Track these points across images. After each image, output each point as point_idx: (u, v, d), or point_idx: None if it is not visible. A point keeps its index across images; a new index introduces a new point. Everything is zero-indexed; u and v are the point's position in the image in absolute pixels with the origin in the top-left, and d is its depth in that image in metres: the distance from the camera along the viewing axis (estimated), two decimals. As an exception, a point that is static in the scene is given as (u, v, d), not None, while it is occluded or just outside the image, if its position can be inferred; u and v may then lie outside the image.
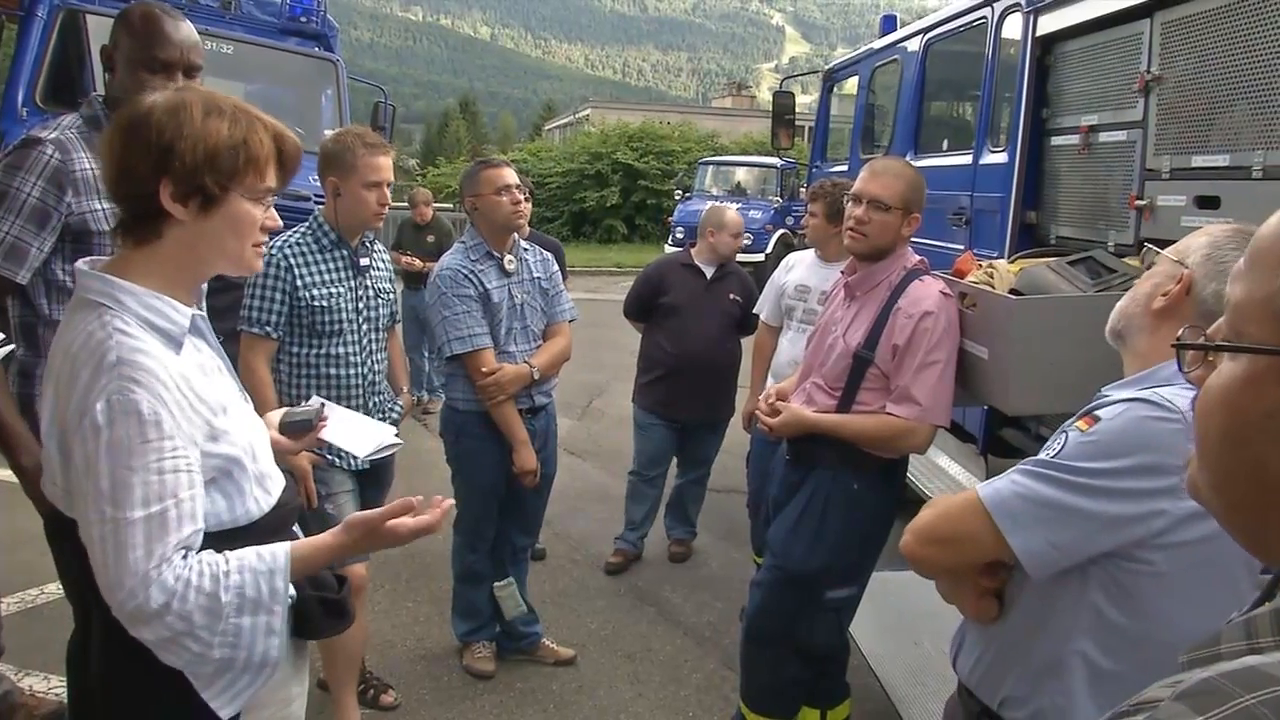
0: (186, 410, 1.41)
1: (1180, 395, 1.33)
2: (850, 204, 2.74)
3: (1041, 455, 1.45)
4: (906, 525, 1.66)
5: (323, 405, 2.03)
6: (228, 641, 1.40)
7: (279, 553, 1.47)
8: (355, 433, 2.21)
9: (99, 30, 5.56)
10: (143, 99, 1.46)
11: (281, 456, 1.76)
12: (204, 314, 1.56)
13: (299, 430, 1.95)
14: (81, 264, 1.49)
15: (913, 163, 3.55)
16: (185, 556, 1.39)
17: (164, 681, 1.41)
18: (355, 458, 2.57)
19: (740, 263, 4.97)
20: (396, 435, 2.39)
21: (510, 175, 3.38)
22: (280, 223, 1.56)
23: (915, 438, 2.63)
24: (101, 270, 1.46)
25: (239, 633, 1.41)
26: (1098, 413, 1.43)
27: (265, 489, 1.58)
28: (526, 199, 3.46)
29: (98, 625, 1.48)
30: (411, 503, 1.59)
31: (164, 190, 1.42)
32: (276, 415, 1.97)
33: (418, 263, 7.29)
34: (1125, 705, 0.57)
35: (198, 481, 1.42)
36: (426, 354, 7.60)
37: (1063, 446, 1.43)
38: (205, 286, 1.61)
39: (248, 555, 1.44)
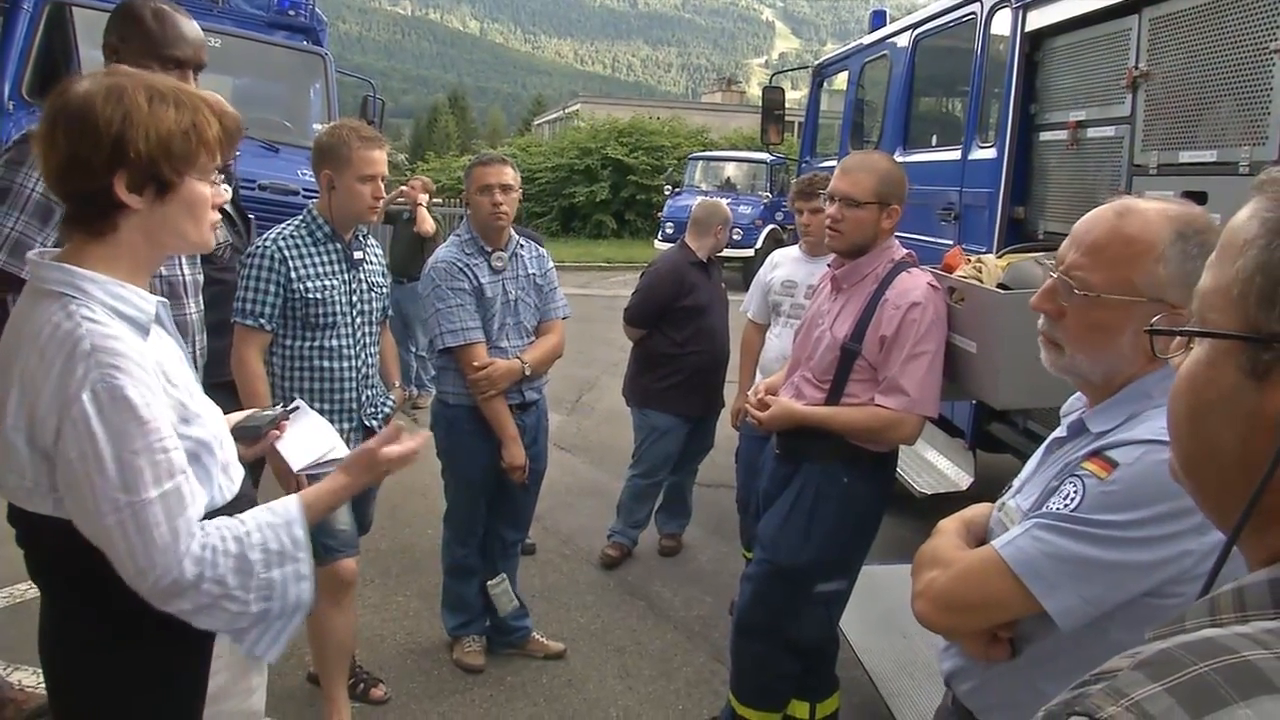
0: (161, 395, 1.41)
1: None
2: (826, 203, 2.77)
3: (1056, 507, 1.40)
4: (914, 590, 1.55)
5: (288, 414, 2.00)
6: (263, 595, 1.44)
7: (290, 504, 1.52)
8: (304, 444, 2.13)
9: (85, 23, 5.54)
10: (70, 87, 1.42)
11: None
12: (165, 302, 1.54)
13: (247, 437, 1.91)
14: (33, 255, 1.47)
15: (897, 158, 3.56)
16: (202, 527, 1.41)
17: (124, 673, 1.43)
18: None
19: (731, 258, 5.11)
20: (339, 450, 2.26)
21: (493, 174, 3.34)
22: (227, 197, 1.57)
23: (904, 429, 2.64)
24: (57, 260, 1.43)
25: (271, 585, 1.45)
26: (1112, 455, 1.38)
27: (229, 476, 1.59)
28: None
29: (48, 621, 1.50)
30: (401, 427, 1.75)
31: (118, 183, 1.40)
32: (235, 418, 1.94)
33: (423, 196, 7.52)
34: (1087, 675, 0.59)
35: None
36: (412, 349, 7.58)
37: (1082, 498, 1.37)
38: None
39: (260, 513, 1.48)
